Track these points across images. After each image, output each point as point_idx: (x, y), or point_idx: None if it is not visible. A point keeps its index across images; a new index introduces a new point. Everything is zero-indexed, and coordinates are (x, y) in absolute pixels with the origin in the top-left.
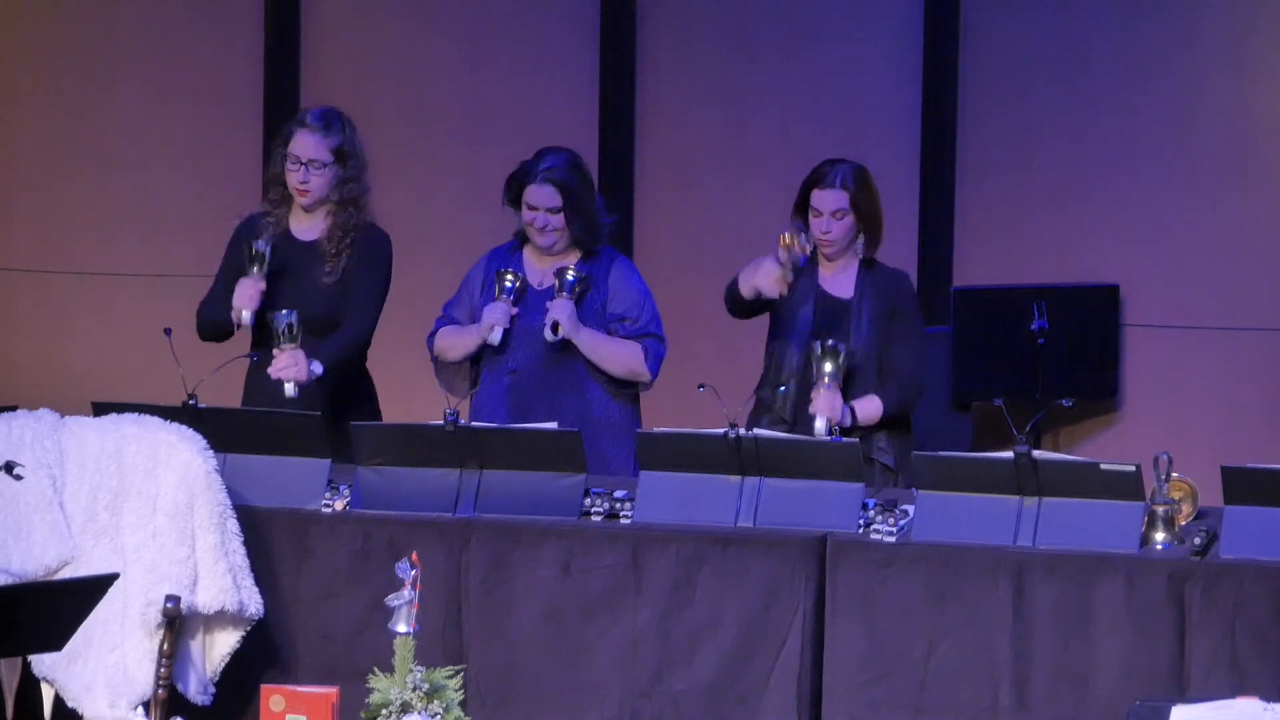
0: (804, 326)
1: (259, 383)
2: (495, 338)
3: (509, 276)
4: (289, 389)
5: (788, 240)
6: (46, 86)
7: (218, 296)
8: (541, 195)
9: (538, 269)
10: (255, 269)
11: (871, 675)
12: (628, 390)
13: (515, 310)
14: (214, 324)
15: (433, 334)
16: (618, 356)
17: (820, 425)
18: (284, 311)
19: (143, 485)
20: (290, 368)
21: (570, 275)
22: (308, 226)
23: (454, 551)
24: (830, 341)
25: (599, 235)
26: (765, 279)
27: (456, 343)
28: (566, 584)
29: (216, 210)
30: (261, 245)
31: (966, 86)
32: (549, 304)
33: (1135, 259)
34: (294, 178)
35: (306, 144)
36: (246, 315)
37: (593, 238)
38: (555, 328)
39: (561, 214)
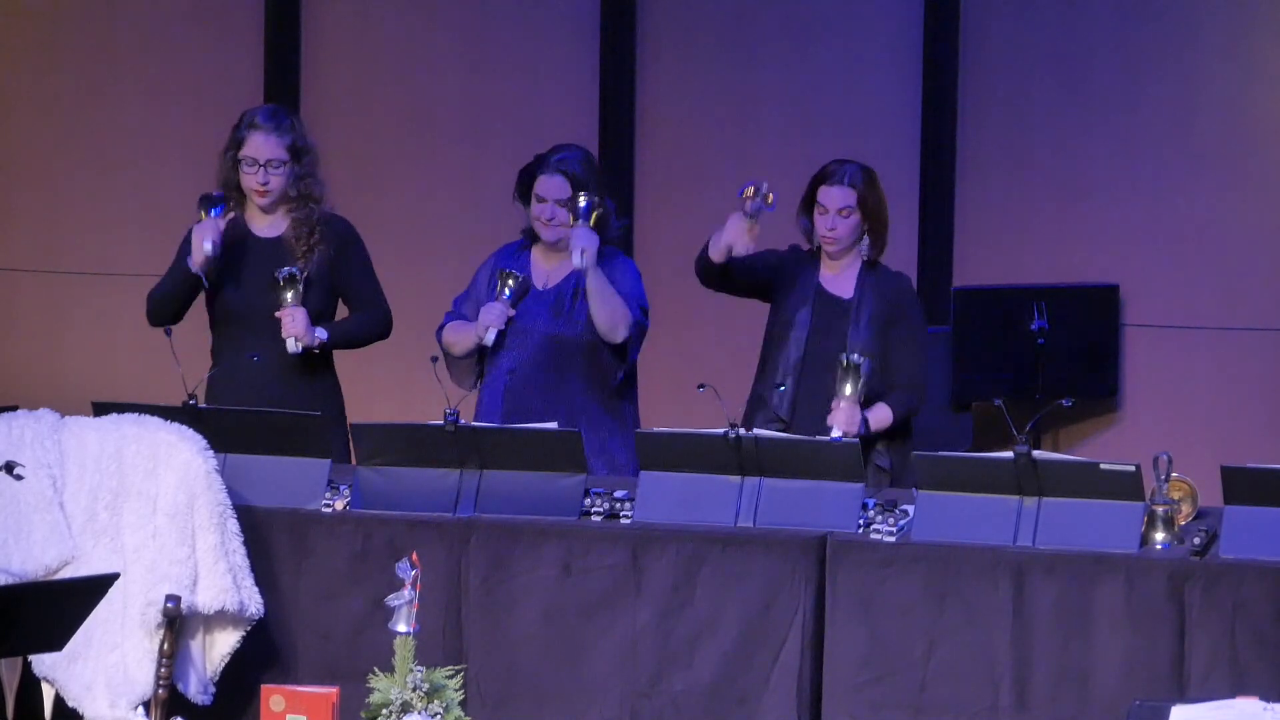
0: (802, 326)
1: (220, 387)
2: (489, 339)
3: (511, 278)
4: (291, 344)
5: (750, 192)
6: (46, 86)
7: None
8: (551, 186)
9: (544, 269)
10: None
11: (871, 675)
12: (624, 389)
13: (512, 312)
14: (178, 287)
15: (441, 327)
16: (612, 307)
17: (836, 436)
18: (285, 268)
19: (143, 485)
20: (290, 324)
21: (583, 201)
22: (268, 225)
23: (454, 551)
24: (854, 358)
25: (607, 232)
26: (733, 232)
27: (459, 339)
28: (566, 584)
29: None
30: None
31: (966, 86)
32: (573, 232)
33: (1135, 259)
34: (253, 180)
35: (262, 145)
36: (208, 246)
37: (601, 234)
38: (582, 253)
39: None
